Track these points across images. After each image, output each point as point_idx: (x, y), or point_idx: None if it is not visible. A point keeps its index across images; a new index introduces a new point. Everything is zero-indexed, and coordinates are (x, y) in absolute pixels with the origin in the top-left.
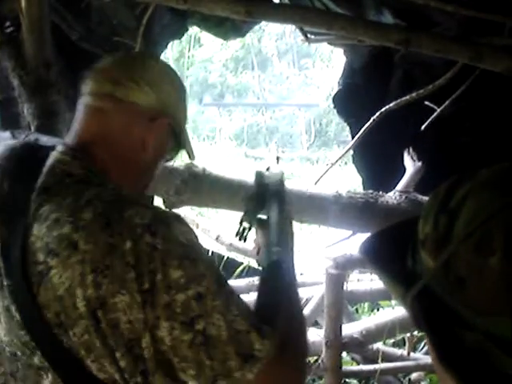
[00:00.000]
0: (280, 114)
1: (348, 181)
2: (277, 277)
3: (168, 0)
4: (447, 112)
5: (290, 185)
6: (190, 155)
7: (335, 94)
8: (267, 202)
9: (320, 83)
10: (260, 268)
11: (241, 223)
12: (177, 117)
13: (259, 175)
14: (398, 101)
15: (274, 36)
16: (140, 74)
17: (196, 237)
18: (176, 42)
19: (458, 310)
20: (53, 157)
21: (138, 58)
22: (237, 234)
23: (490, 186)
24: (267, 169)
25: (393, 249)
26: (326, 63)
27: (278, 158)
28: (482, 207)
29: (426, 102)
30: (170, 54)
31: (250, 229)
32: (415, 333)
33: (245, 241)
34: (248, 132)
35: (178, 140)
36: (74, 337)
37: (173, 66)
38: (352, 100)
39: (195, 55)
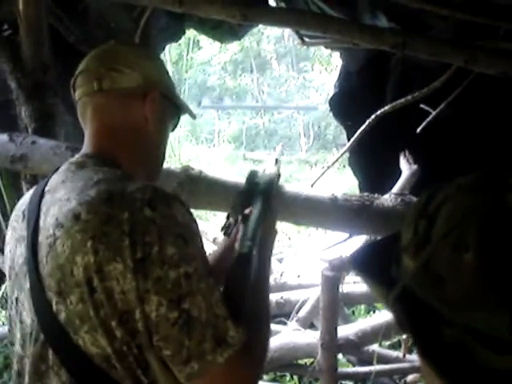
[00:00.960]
0: (278, 117)
1: (345, 183)
2: (243, 271)
3: (164, 3)
4: (443, 115)
5: (286, 187)
6: (191, 115)
7: (331, 97)
8: (253, 199)
9: (318, 86)
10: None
11: (227, 218)
12: (164, 84)
13: (252, 173)
14: (394, 104)
15: (272, 39)
16: (116, 60)
17: (194, 220)
18: (174, 44)
19: (437, 307)
20: (67, 161)
21: (110, 49)
22: (222, 229)
23: (465, 190)
24: (264, 169)
25: (378, 260)
26: (325, 66)
27: (276, 160)
28: (457, 209)
29: (422, 105)
30: (168, 56)
31: (235, 224)
32: None
33: (229, 236)
34: (246, 135)
35: (175, 104)
36: (70, 305)
37: (171, 68)
38: (348, 103)
39: (194, 58)
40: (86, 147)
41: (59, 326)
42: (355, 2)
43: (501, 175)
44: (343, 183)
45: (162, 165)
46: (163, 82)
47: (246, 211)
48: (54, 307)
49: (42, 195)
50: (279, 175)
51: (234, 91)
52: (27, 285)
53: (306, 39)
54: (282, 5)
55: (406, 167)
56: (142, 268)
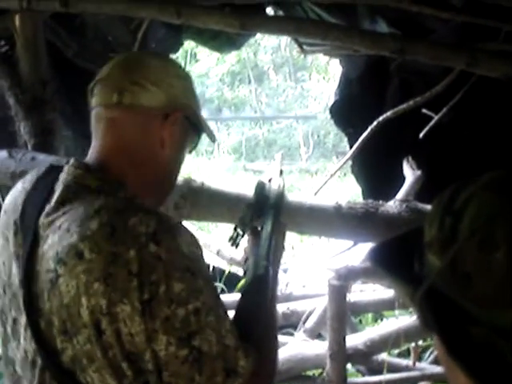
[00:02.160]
0: (278, 127)
1: (348, 191)
2: (260, 292)
3: (162, 15)
4: (446, 119)
5: (289, 196)
6: (211, 138)
7: (332, 105)
8: (264, 213)
9: (317, 95)
10: (244, 276)
11: (235, 229)
12: (189, 106)
13: (260, 185)
14: (395, 109)
15: (269, 49)
16: (142, 74)
17: (199, 247)
18: (173, 57)
19: (464, 305)
20: (66, 171)
21: (137, 59)
22: (230, 239)
23: (492, 187)
24: (269, 180)
25: (400, 255)
26: (323, 75)
27: (281, 171)
28: (485, 206)
29: (424, 110)
30: None
31: (242, 236)
32: (420, 343)
33: (236, 247)
34: (246, 146)
35: (196, 127)
36: (77, 344)
37: None
38: (349, 110)
39: (192, 70)
40: (90, 158)
41: (62, 363)
42: (354, 7)
43: None
44: (345, 191)
45: (172, 187)
46: (188, 103)
47: (256, 224)
48: (59, 345)
49: (41, 208)
50: (285, 187)
51: (233, 102)
52: (25, 313)
53: (305, 47)
54: (281, 13)
55: (410, 173)
56: (149, 309)
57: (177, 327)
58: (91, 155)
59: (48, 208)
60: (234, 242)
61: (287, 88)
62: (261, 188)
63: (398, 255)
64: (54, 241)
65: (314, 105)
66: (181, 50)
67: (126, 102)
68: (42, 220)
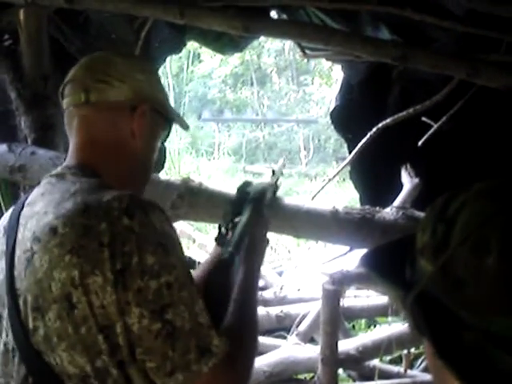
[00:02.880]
0: (278, 130)
1: (345, 197)
2: (221, 276)
3: (166, 15)
4: (445, 128)
5: (286, 200)
6: (183, 126)
7: (333, 110)
8: (244, 208)
9: (319, 99)
10: None
11: (219, 228)
12: (156, 97)
13: (244, 184)
14: (395, 116)
15: (273, 52)
16: (106, 72)
17: (172, 227)
18: (175, 57)
19: (456, 310)
20: (48, 174)
21: (101, 58)
22: (215, 239)
23: (484, 195)
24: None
25: (392, 261)
26: (325, 80)
27: (273, 172)
28: (477, 213)
29: (424, 118)
30: (169, 69)
31: (226, 233)
32: (412, 350)
33: (222, 246)
34: (247, 148)
35: (166, 117)
36: (48, 321)
37: (172, 81)
38: (349, 116)
39: (194, 71)
40: (69, 158)
41: (32, 344)
42: (357, 14)
43: None
44: (343, 196)
45: (148, 177)
46: (154, 95)
47: (236, 220)
48: (31, 324)
49: (22, 209)
50: (276, 186)
51: (234, 104)
52: (6, 299)
53: (308, 52)
54: (284, 17)
55: (408, 180)
56: (122, 279)
57: (149, 299)
58: (69, 156)
59: (29, 199)
60: (219, 241)
61: (289, 91)
62: (244, 186)
63: (390, 261)
64: (32, 224)
65: (316, 109)
66: (184, 51)
67: (93, 100)
68: (23, 211)
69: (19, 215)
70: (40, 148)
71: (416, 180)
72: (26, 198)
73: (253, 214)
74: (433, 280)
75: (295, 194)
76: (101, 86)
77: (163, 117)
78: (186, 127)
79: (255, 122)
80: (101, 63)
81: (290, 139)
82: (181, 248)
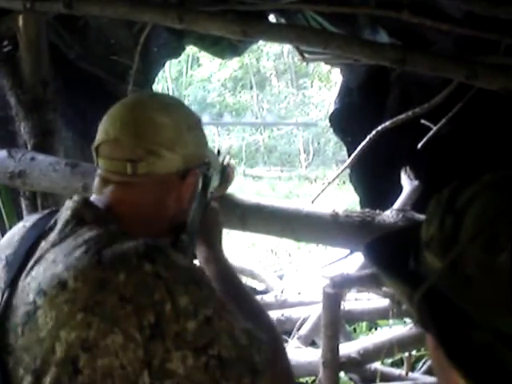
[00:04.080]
0: (278, 133)
1: (345, 199)
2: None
3: (165, 20)
4: (444, 130)
5: (286, 203)
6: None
7: (332, 113)
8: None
9: (318, 102)
10: None
11: None
12: (203, 156)
13: None
14: (394, 119)
15: (272, 56)
16: (156, 140)
17: (191, 260)
18: (174, 61)
19: (465, 308)
20: (66, 206)
21: (148, 119)
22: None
23: (496, 187)
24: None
25: (394, 252)
26: (324, 83)
27: (218, 151)
28: (489, 207)
29: (423, 121)
30: (168, 73)
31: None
32: (414, 352)
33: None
34: (246, 151)
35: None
36: None
37: (171, 85)
38: (349, 119)
39: (194, 75)
40: (96, 198)
41: None
42: (356, 17)
43: None
44: (343, 199)
45: (182, 225)
46: (202, 154)
47: None
48: None
49: (34, 241)
50: (223, 168)
51: (234, 108)
52: None
53: (307, 55)
54: (282, 21)
55: (407, 183)
56: (157, 332)
57: (189, 340)
58: (96, 195)
59: (43, 244)
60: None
61: (289, 95)
62: None
63: (393, 252)
64: (39, 272)
65: (315, 112)
66: (183, 55)
67: (141, 173)
68: (35, 255)
69: (29, 250)
70: (40, 153)
71: (416, 182)
72: (45, 225)
73: (200, 202)
74: (441, 276)
75: (295, 196)
76: (151, 159)
77: (206, 166)
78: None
79: (255, 125)
80: (148, 127)
81: (290, 142)
82: (206, 275)
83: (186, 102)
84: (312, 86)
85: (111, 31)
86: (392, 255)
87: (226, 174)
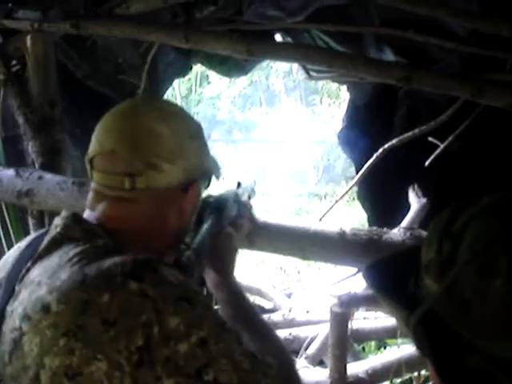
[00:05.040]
0: (288, 150)
1: (355, 216)
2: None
3: (171, 39)
4: (454, 147)
5: (294, 221)
6: (217, 176)
7: (340, 131)
8: (205, 220)
9: (327, 119)
10: None
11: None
12: (205, 166)
13: (207, 195)
14: (401, 137)
15: (281, 73)
16: (155, 151)
17: (186, 277)
18: (184, 79)
19: (461, 332)
20: (54, 223)
21: (146, 130)
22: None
23: (492, 211)
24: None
25: (395, 275)
26: (333, 100)
27: (238, 184)
28: (485, 231)
29: (430, 139)
30: (178, 91)
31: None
32: (422, 372)
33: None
34: (256, 168)
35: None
36: None
37: (181, 103)
38: (356, 136)
39: (203, 92)
40: (88, 213)
41: None
42: (361, 36)
43: None
44: (353, 216)
45: (183, 238)
46: (204, 164)
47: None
48: None
49: (28, 260)
50: (239, 200)
51: (244, 125)
52: None
53: (313, 73)
54: (289, 39)
55: (415, 201)
56: (146, 356)
57: (181, 365)
58: (89, 210)
59: (29, 263)
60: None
61: (298, 111)
62: (205, 197)
63: (393, 275)
64: (25, 296)
65: (325, 129)
66: (193, 73)
67: (140, 187)
68: (20, 276)
69: (19, 273)
70: (47, 172)
71: (423, 200)
72: (39, 245)
73: (213, 225)
74: (438, 300)
75: (305, 213)
76: (149, 173)
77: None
78: (218, 177)
79: (264, 142)
80: (146, 138)
81: (300, 159)
82: (202, 293)
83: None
84: (321, 103)
85: (119, 50)
86: (392, 278)
87: (242, 211)
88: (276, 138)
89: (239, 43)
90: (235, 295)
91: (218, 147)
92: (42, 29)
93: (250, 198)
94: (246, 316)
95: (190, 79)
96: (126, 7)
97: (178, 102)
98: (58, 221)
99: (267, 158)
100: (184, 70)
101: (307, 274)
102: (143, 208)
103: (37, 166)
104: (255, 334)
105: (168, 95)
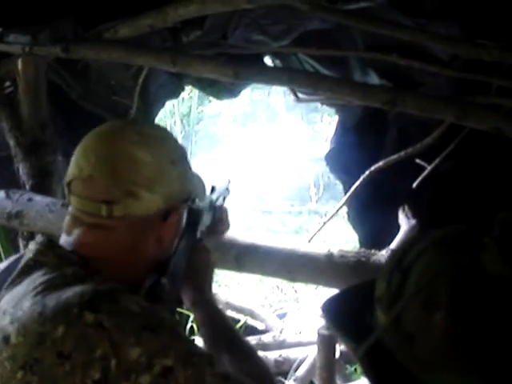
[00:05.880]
0: (288, 168)
1: (353, 234)
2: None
3: (158, 63)
4: (442, 169)
5: (282, 243)
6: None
7: (328, 153)
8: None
9: (327, 137)
10: None
11: None
12: (187, 191)
13: None
14: (387, 160)
15: (281, 92)
16: (134, 179)
17: (153, 304)
18: (186, 98)
19: (407, 365)
20: (28, 249)
21: (125, 155)
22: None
23: (441, 245)
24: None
25: (352, 307)
26: (333, 117)
27: (213, 188)
28: (432, 265)
29: (417, 160)
30: (177, 110)
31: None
32: None
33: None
34: (256, 185)
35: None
36: None
37: (183, 121)
38: (346, 158)
39: (204, 111)
40: (63, 238)
41: None
42: (346, 59)
43: (477, 232)
44: (352, 233)
45: (163, 261)
46: (186, 191)
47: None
48: None
49: (4, 288)
50: (214, 207)
51: (244, 142)
52: None
53: (301, 95)
54: (278, 63)
55: (405, 222)
56: None
57: None
58: (64, 236)
59: (3, 289)
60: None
61: (299, 129)
62: None
63: (349, 307)
64: None
65: (325, 147)
66: (193, 91)
67: (117, 215)
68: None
69: None
70: (37, 194)
71: (413, 221)
72: (15, 268)
73: (189, 241)
74: (386, 331)
75: (305, 231)
76: (128, 200)
77: (192, 201)
78: (203, 198)
79: (265, 159)
80: (125, 164)
81: (300, 177)
82: (169, 318)
83: (196, 138)
84: (322, 121)
85: (111, 72)
86: (348, 311)
87: (219, 216)
88: (276, 156)
89: (226, 67)
90: (213, 314)
91: (217, 165)
92: (33, 52)
93: (224, 199)
94: (225, 336)
95: (191, 97)
96: (114, 32)
97: (178, 120)
98: (32, 245)
99: (267, 175)
100: (176, 92)
101: (304, 294)
102: (120, 235)
103: (27, 187)
104: (234, 353)
105: (167, 113)
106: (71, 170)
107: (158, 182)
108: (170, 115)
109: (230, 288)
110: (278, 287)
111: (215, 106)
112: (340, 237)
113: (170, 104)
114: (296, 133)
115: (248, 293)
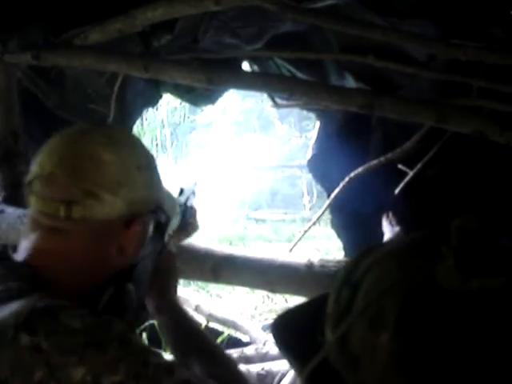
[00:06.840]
0: (281, 176)
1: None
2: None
3: (130, 69)
4: (426, 175)
5: (260, 253)
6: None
7: (309, 160)
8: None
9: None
10: None
11: None
12: (153, 200)
13: None
14: (366, 166)
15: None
16: (96, 180)
17: (101, 318)
18: (179, 107)
19: None
20: None
21: (88, 155)
22: None
23: (390, 258)
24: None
25: (304, 325)
26: None
27: (181, 190)
28: (380, 280)
29: (399, 166)
30: (165, 119)
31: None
32: None
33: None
34: (250, 194)
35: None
36: None
37: (174, 131)
38: (327, 165)
39: (196, 120)
40: (23, 240)
41: None
42: (322, 63)
43: (434, 240)
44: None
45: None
46: (152, 199)
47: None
48: None
49: None
50: (185, 208)
51: (237, 151)
52: None
53: (280, 101)
54: (255, 68)
55: (389, 229)
56: None
57: None
58: (20, 251)
59: None
60: None
61: (292, 137)
62: None
63: (300, 324)
64: None
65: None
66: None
67: (76, 217)
68: None
69: None
70: (9, 206)
71: (397, 228)
72: None
73: (156, 247)
74: (332, 352)
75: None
76: (88, 201)
77: (159, 212)
78: (172, 217)
79: (258, 168)
80: (88, 164)
81: (294, 185)
82: (120, 329)
83: (190, 147)
84: (314, 129)
85: (87, 80)
86: (295, 329)
87: (188, 217)
88: (269, 164)
89: (199, 72)
90: (180, 318)
91: (210, 174)
92: (4, 60)
93: (188, 199)
94: (194, 339)
95: (184, 106)
96: (84, 37)
97: (167, 130)
98: None
99: (260, 184)
100: (153, 100)
101: (295, 303)
102: (78, 241)
103: (0, 199)
104: (202, 357)
105: (155, 123)
106: (33, 170)
107: (121, 185)
108: (161, 125)
109: (222, 298)
110: (268, 297)
111: (207, 114)
112: (333, 244)
113: (161, 113)
114: (289, 141)
115: (238, 303)
